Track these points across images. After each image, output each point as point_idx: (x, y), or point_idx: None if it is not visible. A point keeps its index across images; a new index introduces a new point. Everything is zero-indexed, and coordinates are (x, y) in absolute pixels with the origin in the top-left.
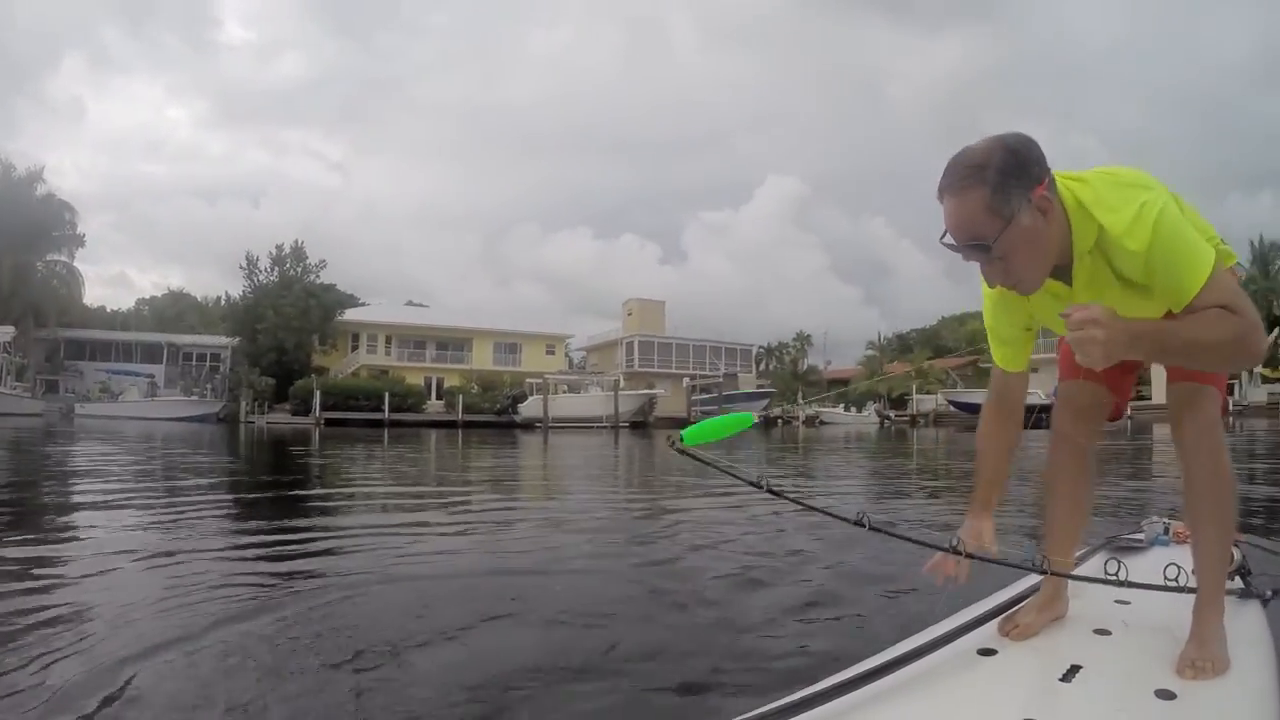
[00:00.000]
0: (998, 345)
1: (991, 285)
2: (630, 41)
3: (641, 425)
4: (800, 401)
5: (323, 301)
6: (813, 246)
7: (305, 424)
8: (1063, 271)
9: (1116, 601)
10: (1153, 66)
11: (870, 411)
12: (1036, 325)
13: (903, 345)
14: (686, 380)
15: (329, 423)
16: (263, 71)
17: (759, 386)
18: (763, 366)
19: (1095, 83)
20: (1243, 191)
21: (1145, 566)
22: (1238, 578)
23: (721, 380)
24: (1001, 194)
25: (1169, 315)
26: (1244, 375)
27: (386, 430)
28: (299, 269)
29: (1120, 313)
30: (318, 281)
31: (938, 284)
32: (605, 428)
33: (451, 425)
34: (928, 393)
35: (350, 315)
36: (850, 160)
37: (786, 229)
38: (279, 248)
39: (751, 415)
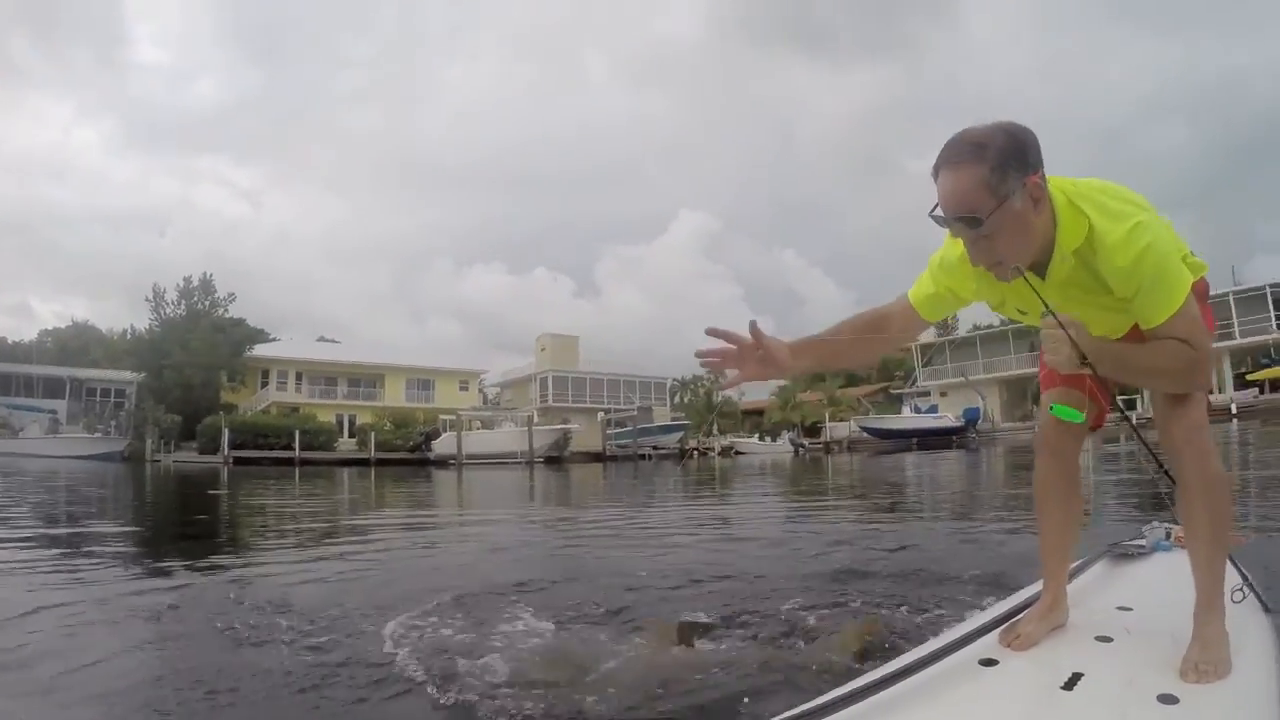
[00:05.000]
0: (928, 290)
1: (974, 263)
2: (543, 77)
3: (557, 460)
4: (714, 433)
5: (231, 337)
6: (725, 278)
7: (213, 462)
8: (1038, 267)
9: (1118, 608)
10: (1052, 100)
11: (785, 440)
12: (970, 299)
13: (814, 375)
14: (601, 414)
15: (238, 461)
16: (175, 95)
17: (674, 419)
18: (677, 399)
19: (999, 114)
20: None
21: (1147, 572)
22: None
23: (636, 414)
24: (999, 173)
25: (1134, 329)
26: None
27: (298, 469)
28: (207, 302)
29: (1084, 315)
30: (226, 315)
31: (849, 313)
32: (520, 463)
33: (364, 463)
34: (841, 420)
35: (260, 351)
36: (760, 194)
37: (699, 261)
38: (187, 280)
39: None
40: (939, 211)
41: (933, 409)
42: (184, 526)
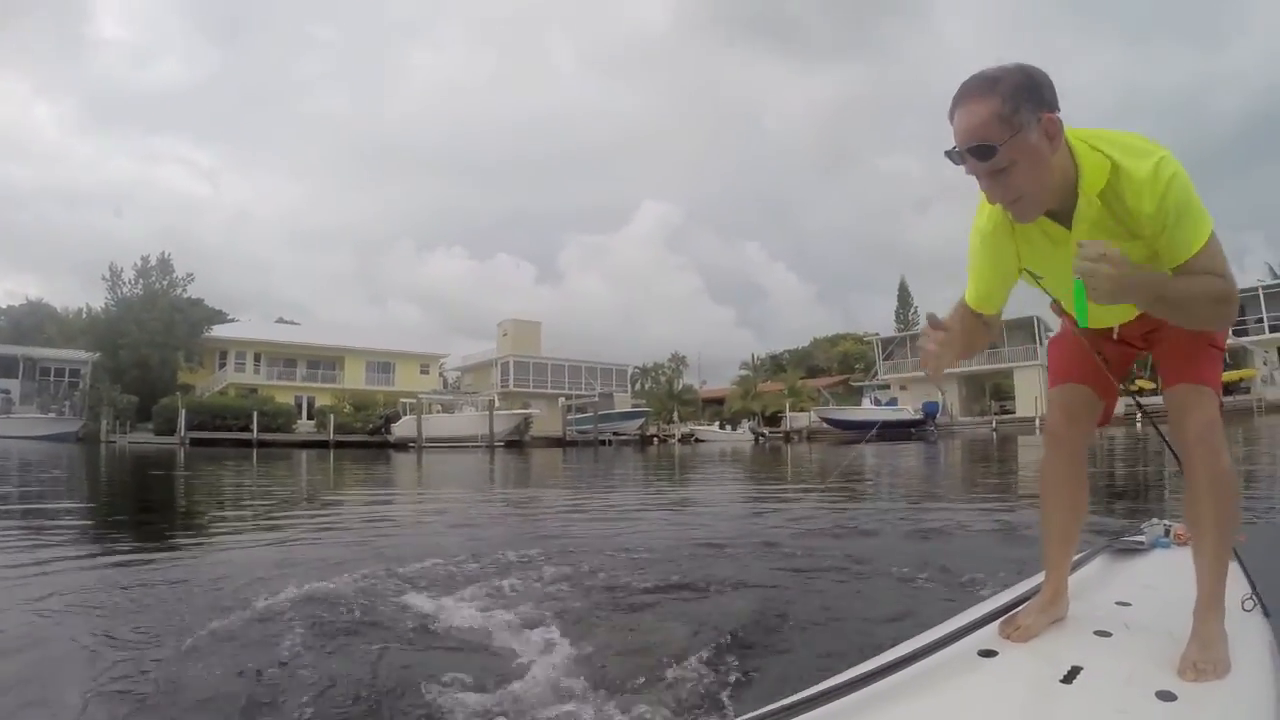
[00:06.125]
0: (973, 283)
1: (992, 201)
2: (511, 64)
3: (517, 444)
4: (675, 420)
5: (189, 317)
6: (687, 269)
7: (170, 444)
8: (1061, 216)
9: (1117, 603)
10: None
11: (745, 429)
12: (1014, 280)
13: (775, 365)
14: (562, 400)
15: (195, 443)
16: (137, 73)
17: (634, 406)
18: (638, 386)
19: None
20: None
21: (1146, 568)
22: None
23: (597, 400)
24: (1012, 104)
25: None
26: None
27: (255, 451)
28: (165, 282)
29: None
30: (185, 296)
31: (810, 307)
32: (480, 447)
33: (323, 445)
34: (801, 410)
35: (218, 331)
36: (724, 187)
37: (662, 252)
38: (144, 259)
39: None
40: (955, 150)
41: (892, 402)
42: (136, 508)
